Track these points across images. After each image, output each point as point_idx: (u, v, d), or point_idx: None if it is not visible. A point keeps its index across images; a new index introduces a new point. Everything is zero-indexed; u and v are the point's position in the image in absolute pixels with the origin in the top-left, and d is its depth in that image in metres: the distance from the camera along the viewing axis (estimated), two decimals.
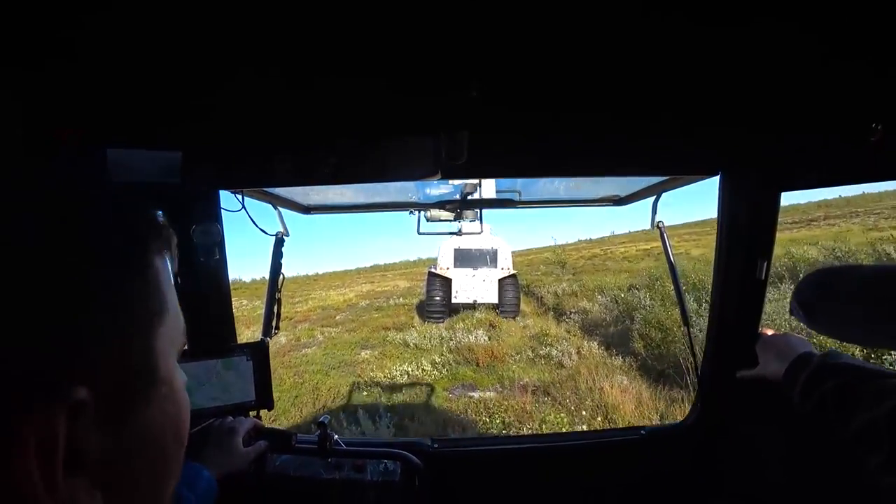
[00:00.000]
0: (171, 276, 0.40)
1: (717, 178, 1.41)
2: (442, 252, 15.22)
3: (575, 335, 11.90)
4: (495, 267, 15.16)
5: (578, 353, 9.96)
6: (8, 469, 0.27)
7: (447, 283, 14.96)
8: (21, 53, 0.73)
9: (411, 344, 12.02)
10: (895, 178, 1.14)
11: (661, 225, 1.71)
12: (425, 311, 15.31)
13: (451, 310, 15.04)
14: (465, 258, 15.02)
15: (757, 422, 1.43)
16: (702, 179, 1.47)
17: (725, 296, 1.46)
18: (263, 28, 0.74)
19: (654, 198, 1.73)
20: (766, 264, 1.38)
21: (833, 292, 0.95)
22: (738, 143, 1.28)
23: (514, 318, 14.67)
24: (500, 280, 15.00)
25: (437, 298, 14.87)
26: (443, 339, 12.11)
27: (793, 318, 1.07)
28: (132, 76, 0.88)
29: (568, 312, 14.46)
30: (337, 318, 18.81)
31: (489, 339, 11.72)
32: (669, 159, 1.34)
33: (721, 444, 1.58)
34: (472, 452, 1.70)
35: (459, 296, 14.92)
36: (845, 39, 0.81)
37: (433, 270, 15.33)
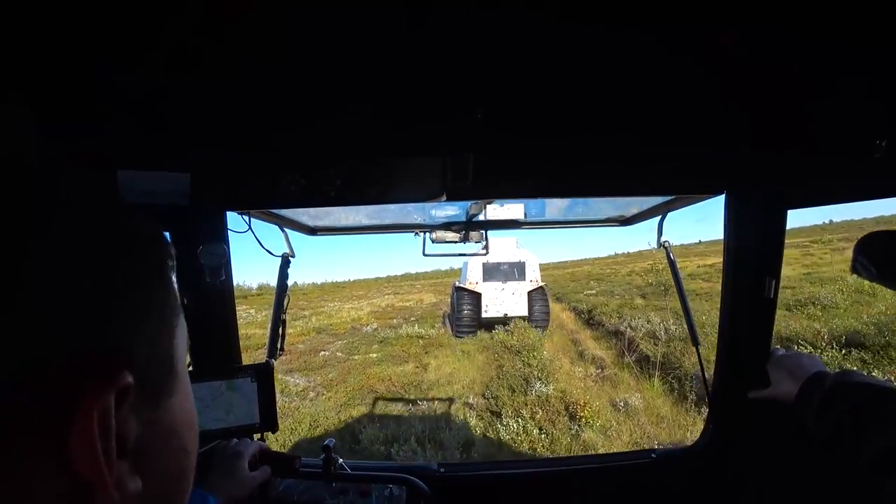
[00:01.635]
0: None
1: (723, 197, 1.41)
2: (470, 267, 15.29)
3: None
4: (524, 280, 15.23)
5: None
6: (67, 446, 0.29)
7: (476, 297, 14.99)
8: (36, 75, 0.75)
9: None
10: None
11: (666, 244, 1.70)
12: (454, 326, 15.32)
13: (482, 325, 15.00)
14: (494, 272, 15.09)
15: (770, 443, 1.40)
16: (708, 199, 1.47)
17: (734, 315, 1.45)
18: (272, 53, 0.76)
19: (659, 217, 1.73)
20: (774, 283, 1.36)
21: None
22: (744, 161, 1.28)
23: (543, 329, 14.68)
24: (529, 293, 15.04)
25: (467, 312, 14.87)
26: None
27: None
28: (143, 98, 0.90)
29: None
30: (323, 353, 13.84)
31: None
32: (675, 179, 1.34)
33: (733, 467, 1.54)
34: (480, 477, 1.67)
35: (490, 310, 14.93)
36: (849, 56, 0.81)
37: (461, 285, 15.36)
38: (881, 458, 0.79)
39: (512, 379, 9.17)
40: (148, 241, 0.39)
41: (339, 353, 13.90)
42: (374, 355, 13.17)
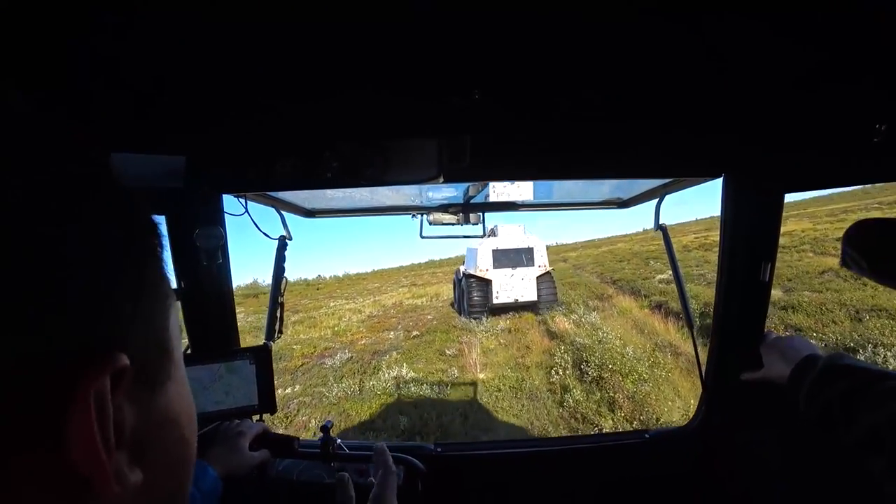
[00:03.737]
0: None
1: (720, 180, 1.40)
2: (480, 254, 15.39)
3: None
4: (533, 265, 15.44)
5: None
6: (64, 436, 0.28)
7: (486, 284, 15.19)
8: (28, 60, 0.73)
9: None
10: None
11: (664, 226, 1.70)
12: (466, 310, 15.57)
13: (492, 310, 15.30)
14: (503, 258, 15.23)
15: (762, 425, 1.42)
16: (705, 181, 1.47)
17: (729, 298, 1.46)
18: (267, 33, 0.75)
19: (657, 200, 1.73)
20: (769, 266, 1.37)
21: None
22: (742, 144, 1.28)
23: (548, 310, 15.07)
24: (537, 278, 15.29)
25: (477, 299, 15.20)
26: None
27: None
28: (137, 82, 0.88)
29: None
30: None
31: None
32: (672, 162, 1.34)
33: (725, 448, 1.57)
34: (476, 456, 1.70)
35: (500, 296, 15.15)
36: (849, 40, 0.80)
37: (470, 272, 15.54)
38: (867, 438, 0.81)
39: None
40: (139, 220, 0.37)
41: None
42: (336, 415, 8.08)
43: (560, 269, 30.11)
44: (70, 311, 0.29)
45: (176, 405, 0.39)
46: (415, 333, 14.57)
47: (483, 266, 15.26)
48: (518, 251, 15.43)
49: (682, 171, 1.41)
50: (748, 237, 1.38)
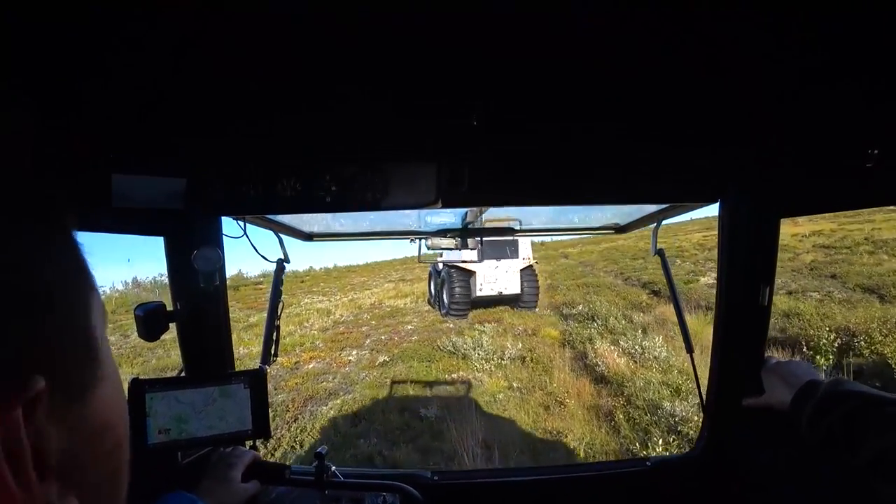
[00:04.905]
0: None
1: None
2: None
3: None
4: (517, 257, 15.05)
5: None
6: None
7: (469, 275, 14.50)
8: (31, 79, 0.75)
9: None
10: (892, 203, 1.15)
11: (662, 251, 1.71)
12: (448, 306, 14.58)
13: (475, 304, 14.66)
14: (488, 249, 14.55)
15: (766, 451, 1.39)
16: (702, 206, 1.48)
17: (729, 322, 1.45)
18: (268, 56, 0.76)
19: (654, 225, 1.74)
20: (768, 290, 1.37)
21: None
22: (737, 170, 1.30)
23: (533, 309, 14.57)
24: (521, 270, 14.88)
25: (459, 291, 14.34)
26: None
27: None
28: (139, 104, 0.90)
29: None
30: None
31: None
32: (669, 188, 1.35)
33: (730, 475, 1.53)
34: (474, 485, 1.66)
35: (484, 288, 14.58)
36: (841, 66, 0.82)
37: (452, 262, 14.70)
38: (875, 464, 0.80)
39: None
40: (45, 203, 0.32)
41: None
42: None
43: (565, 267, 28.63)
44: None
45: (109, 409, 0.35)
46: (382, 359, 10.41)
47: (467, 256, 14.46)
48: (503, 242, 14.55)
49: (678, 197, 1.42)
50: (746, 261, 1.39)
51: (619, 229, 2.03)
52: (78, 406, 0.31)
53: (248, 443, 1.42)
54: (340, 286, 31.72)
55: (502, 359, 9.69)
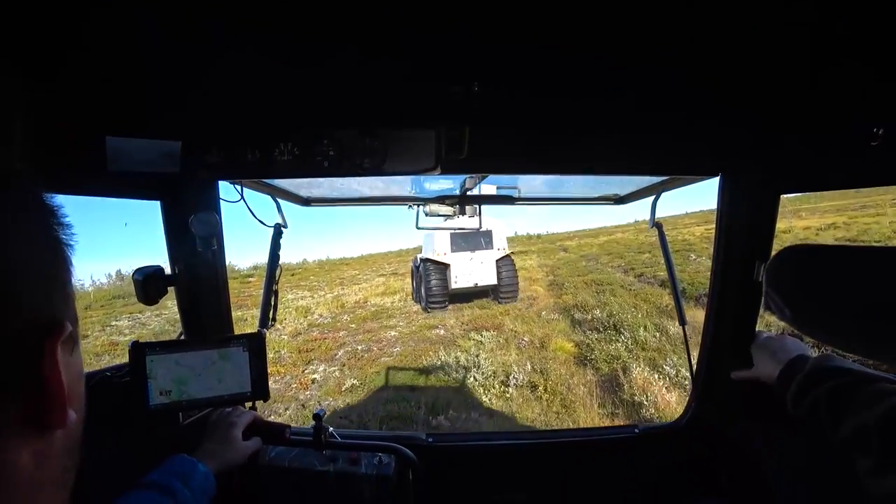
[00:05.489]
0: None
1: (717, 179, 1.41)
2: (437, 237, 14.90)
3: None
4: (492, 248, 15.12)
5: None
6: (41, 381, 0.37)
7: (444, 268, 14.75)
8: (21, 44, 0.72)
9: None
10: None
11: (659, 224, 1.71)
12: (425, 300, 14.92)
13: (452, 296, 14.88)
14: (461, 241, 14.76)
15: (751, 422, 1.44)
16: (702, 180, 1.47)
17: (723, 296, 1.47)
18: (265, 12, 0.74)
19: (653, 197, 1.73)
20: (763, 266, 1.38)
21: (821, 283, 0.79)
22: (739, 144, 1.28)
23: (513, 301, 14.66)
24: (497, 261, 14.98)
25: (436, 284, 14.64)
26: None
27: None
28: (132, 65, 0.87)
29: None
30: None
31: None
32: (670, 160, 1.34)
33: (715, 444, 1.59)
34: (467, 447, 1.71)
35: (459, 280, 14.75)
36: (848, 42, 0.80)
37: (427, 256, 15.05)
38: (854, 438, 0.82)
39: None
40: (46, 208, 0.43)
41: None
42: None
43: (566, 261, 27.24)
44: (34, 298, 0.38)
45: (81, 363, 0.47)
46: (351, 383, 8.57)
47: (441, 250, 14.84)
48: (476, 234, 14.53)
49: (679, 168, 1.41)
50: (743, 237, 1.39)
51: (619, 200, 2.02)
52: (74, 354, 0.43)
53: (248, 404, 1.45)
54: (329, 280, 31.19)
55: (506, 385, 7.64)
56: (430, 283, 14.72)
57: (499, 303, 14.98)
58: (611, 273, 19.51)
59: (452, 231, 13.78)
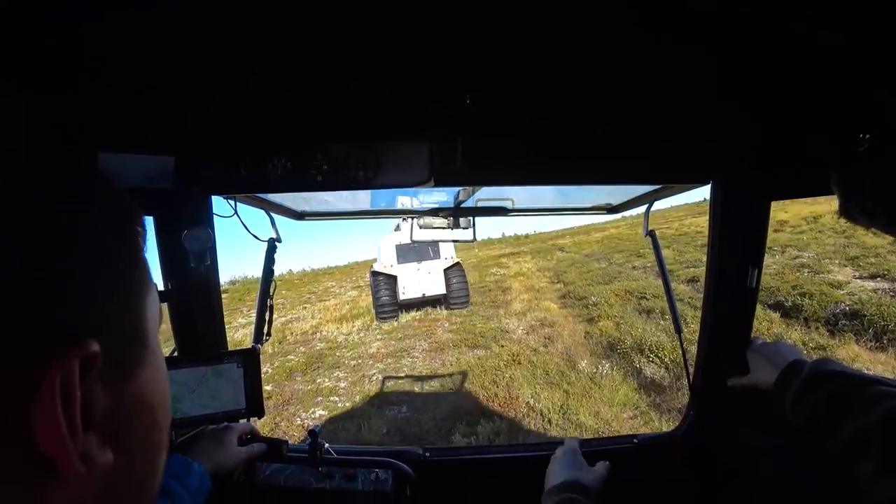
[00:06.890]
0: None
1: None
2: (383, 249, 15.03)
3: None
4: (439, 258, 15.20)
5: None
6: (26, 415, 0.29)
7: (392, 280, 14.85)
8: (17, 61, 0.72)
9: None
10: None
11: (653, 232, 1.72)
12: (376, 311, 15.08)
13: (402, 307, 15.00)
14: (407, 253, 14.85)
15: (750, 430, 1.43)
16: (694, 188, 1.49)
17: (717, 303, 1.47)
18: (257, 33, 0.74)
19: (646, 206, 1.74)
20: (756, 272, 1.39)
21: None
22: (730, 152, 1.29)
23: (464, 308, 14.72)
24: (445, 270, 15.03)
25: (385, 296, 14.78)
26: None
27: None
28: (125, 81, 0.87)
29: None
30: None
31: None
32: (662, 168, 1.35)
33: (714, 453, 1.58)
34: (465, 461, 1.69)
35: (407, 291, 14.83)
36: (835, 49, 0.82)
37: (377, 269, 15.16)
38: (854, 442, 0.82)
39: None
40: (116, 206, 0.38)
41: None
42: None
43: (570, 262, 24.35)
44: (40, 298, 0.30)
45: (150, 391, 0.39)
46: None
47: (387, 262, 14.98)
48: (422, 245, 14.68)
49: (671, 177, 1.42)
50: (736, 243, 1.40)
51: (611, 209, 2.03)
52: (123, 380, 0.36)
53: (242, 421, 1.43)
54: (298, 295, 28.61)
55: None
56: (378, 295, 14.88)
57: (448, 309, 14.97)
58: (640, 277, 15.42)
59: (398, 243, 14.37)
